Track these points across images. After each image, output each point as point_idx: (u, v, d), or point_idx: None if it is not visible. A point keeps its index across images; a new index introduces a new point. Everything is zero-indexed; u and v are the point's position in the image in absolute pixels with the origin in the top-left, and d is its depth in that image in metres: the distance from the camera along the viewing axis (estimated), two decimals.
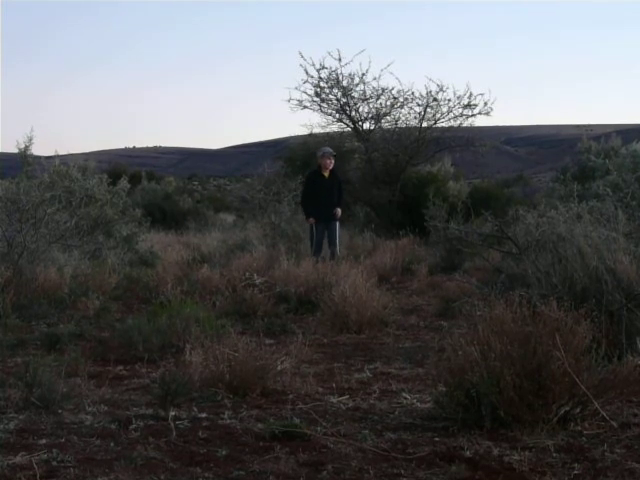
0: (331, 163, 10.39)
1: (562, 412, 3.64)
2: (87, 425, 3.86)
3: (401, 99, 17.03)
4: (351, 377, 4.95)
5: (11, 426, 3.83)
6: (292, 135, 21.15)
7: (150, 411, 4.10)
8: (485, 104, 16.83)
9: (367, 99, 17.06)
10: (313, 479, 3.13)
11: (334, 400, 4.33)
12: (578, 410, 3.68)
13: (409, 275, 10.61)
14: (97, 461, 3.32)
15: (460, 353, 3.77)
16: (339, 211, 10.32)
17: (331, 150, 10.62)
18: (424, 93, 16.87)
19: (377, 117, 17.31)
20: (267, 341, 5.72)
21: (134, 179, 22.46)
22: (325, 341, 6.23)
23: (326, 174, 10.40)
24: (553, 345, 3.57)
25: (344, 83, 16.80)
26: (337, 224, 10.40)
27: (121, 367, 5.27)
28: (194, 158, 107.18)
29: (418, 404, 4.20)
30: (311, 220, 10.25)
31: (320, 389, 4.58)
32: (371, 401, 4.33)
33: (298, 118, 65.70)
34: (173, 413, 4.01)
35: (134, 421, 3.89)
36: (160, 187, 24.24)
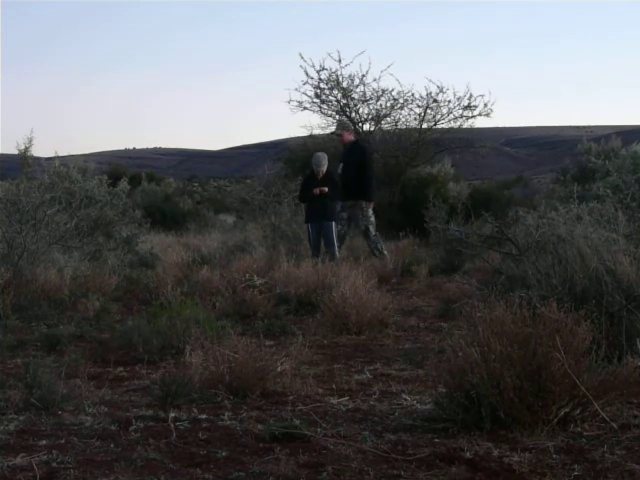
0: (321, 171, 10.59)
1: (562, 413, 3.64)
2: (87, 426, 3.86)
3: (401, 100, 17.05)
4: (351, 378, 4.94)
5: (11, 427, 3.82)
6: (292, 136, 21.16)
7: (150, 412, 4.10)
8: (485, 105, 16.86)
9: (367, 100, 17.07)
10: None
11: (334, 401, 4.33)
12: (578, 411, 3.68)
13: (409, 276, 10.60)
14: (97, 462, 3.32)
15: (460, 354, 3.76)
16: (324, 188, 10.43)
17: (321, 165, 10.67)
18: (424, 94, 16.89)
19: (377, 118, 17.31)
20: (267, 342, 5.72)
21: (134, 180, 22.48)
22: (325, 342, 6.23)
23: (319, 178, 10.60)
24: (553, 346, 3.57)
25: (344, 84, 16.81)
26: (332, 224, 10.46)
27: (121, 368, 5.27)
28: (194, 159, 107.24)
29: (418, 405, 4.19)
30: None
31: (320, 390, 4.57)
32: (371, 402, 4.32)
33: (298, 119, 65.76)
34: (173, 414, 4.01)
35: (134, 422, 3.89)
36: (160, 188, 24.27)
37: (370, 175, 10.79)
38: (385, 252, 10.66)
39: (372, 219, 10.86)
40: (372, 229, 10.82)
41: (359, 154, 10.76)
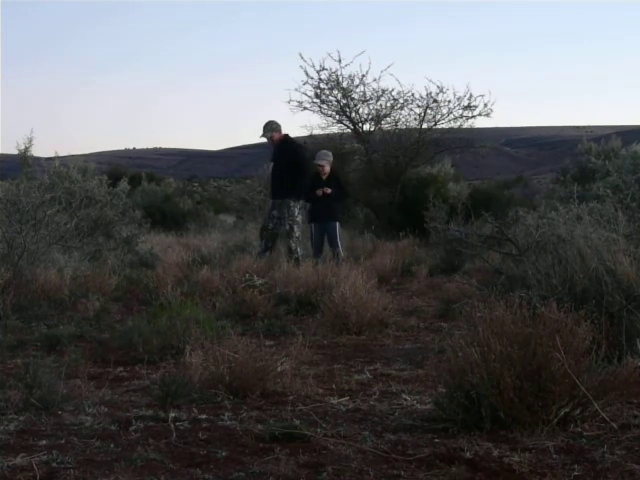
0: (324, 169, 10.52)
1: (562, 413, 3.64)
2: (87, 426, 3.86)
3: (401, 100, 17.09)
4: (351, 378, 4.94)
5: (11, 427, 3.82)
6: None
7: (150, 412, 4.09)
8: (485, 105, 16.90)
9: (367, 100, 17.09)
10: None
11: (334, 401, 4.33)
12: (578, 411, 3.68)
13: (409, 276, 10.62)
14: (97, 462, 3.31)
15: (460, 354, 3.76)
16: (328, 189, 10.33)
17: (321, 159, 10.59)
18: (424, 94, 16.93)
19: (377, 118, 17.33)
20: (267, 342, 5.72)
21: (134, 180, 22.49)
22: (325, 342, 6.23)
23: (324, 177, 10.54)
24: (553, 346, 3.57)
25: (344, 84, 16.82)
26: (336, 225, 10.42)
27: (121, 368, 5.27)
28: (194, 159, 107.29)
29: (418, 405, 4.19)
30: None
31: (320, 390, 4.57)
32: (371, 402, 4.32)
33: (298, 119, 65.81)
34: (173, 414, 4.01)
35: (134, 422, 3.89)
36: (160, 188, 24.26)
37: (301, 172, 10.10)
38: (300, 258, 9.75)
39: (298, 219, 10.18)
40: (297, 230, 10.14)
41: (291, 151, 10.35)
